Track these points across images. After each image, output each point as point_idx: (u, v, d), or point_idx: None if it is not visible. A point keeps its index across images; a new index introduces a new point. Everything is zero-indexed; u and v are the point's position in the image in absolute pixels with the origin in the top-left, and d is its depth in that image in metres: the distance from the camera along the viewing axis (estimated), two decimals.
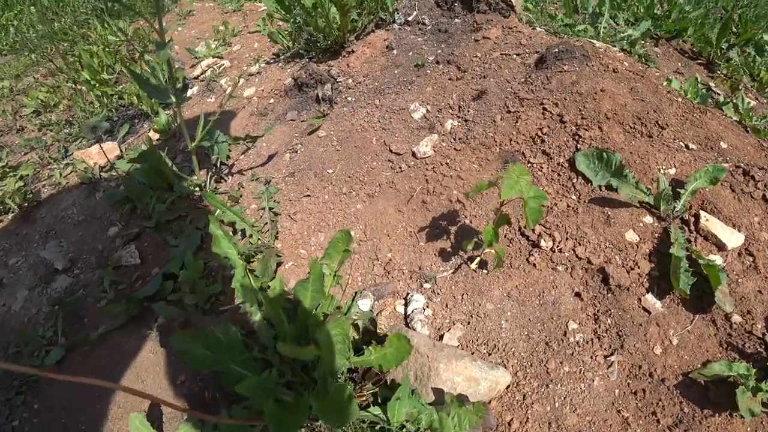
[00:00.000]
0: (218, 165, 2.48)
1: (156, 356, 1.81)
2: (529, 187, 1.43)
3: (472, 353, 1.60)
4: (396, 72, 2.71)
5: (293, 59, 3.22)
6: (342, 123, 2.55)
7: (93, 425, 1.67)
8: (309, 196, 2.26)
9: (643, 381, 1.52)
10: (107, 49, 3.82)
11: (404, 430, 1.27)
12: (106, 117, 3.20)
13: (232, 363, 1.23)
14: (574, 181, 1.99)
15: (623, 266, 1.74)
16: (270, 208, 2.19)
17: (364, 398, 1.33)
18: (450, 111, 2.38)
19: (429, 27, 2.89)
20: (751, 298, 1.66)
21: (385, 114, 2.49)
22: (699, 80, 2.99)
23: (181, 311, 1.85)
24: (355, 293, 1.84)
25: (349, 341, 1.23)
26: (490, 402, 1.47)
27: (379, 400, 1.35)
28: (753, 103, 2.98)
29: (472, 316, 1.72)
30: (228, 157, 2.53)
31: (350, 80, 2.77)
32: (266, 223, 2.14)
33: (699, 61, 3.64)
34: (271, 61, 3.32)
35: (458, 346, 1.63)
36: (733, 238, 1.77)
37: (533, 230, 1.90)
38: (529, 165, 2.09)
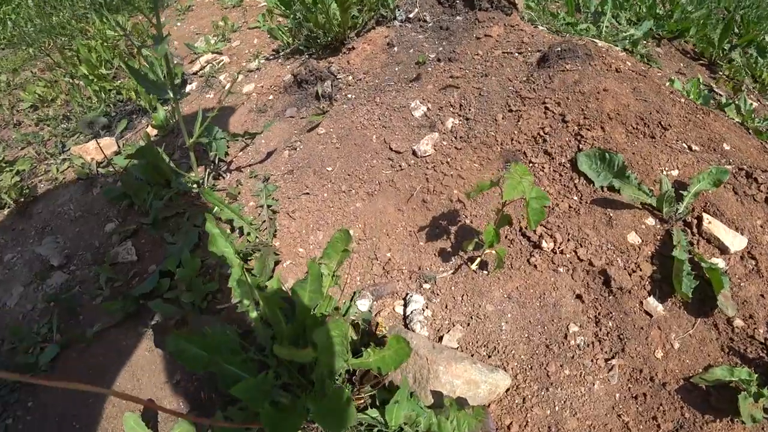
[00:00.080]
0: (216, 162, 2.46)
1: (152, 354, 1.79)
2: (531, 188, 1.41)
3: (472, 355, 1.58)
4: (397, 69, 2.68)
5: (293, 56, 3.19)
6: (342, 120, 2.53)
7: (87, 424, 1.65)
8: (308, 194, 2.24)
9: (644, 385, 1.51)
10: (105, 44, 3.79)
11: None
12: (104, 112, 3.16)
13: (227, 364, 1.21)
14: (576, 181, 1.97)
15: (625, 268, 1.72)
16: (268, 206, 2.17)
17: (362, 401, 1.31)
18: (451, 109, 2.36)
19: (430, 24, 2.87)
20: (753, 302, 1.64)
21: (385, 112, 2.47)
22: (701, 81, 2.97)
23: (178, 309, 1.83)
24: (354, 293, 1.83)
25: (347, 343, 1.21)
26: (489, 405, 1.46)
27: (377, 403, 1.34)
28: (755, 104, 2.96)
29: (471, 318, 1.70)
30: (226, 153, 2.51)
31: (350, 77, 2.74)
32: (264, 221, 2.12)
33: (701, 61, 3.62)
34: (271, 57, 3.30)
35: (458, 347, 1.61)
36: (735, 242, 1.75)
37: (534, 231, 1.88)
38: (531, 165, 2.07)
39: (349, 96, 2.63)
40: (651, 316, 1.63)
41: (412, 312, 1.71)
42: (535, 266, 1.79)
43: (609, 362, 1.55)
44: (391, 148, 2.31)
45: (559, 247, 1.81)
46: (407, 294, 1.81)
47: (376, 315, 1.76)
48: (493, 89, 2.36)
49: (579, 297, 1.71)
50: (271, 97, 2.88)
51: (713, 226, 1.79)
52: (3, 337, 1.95)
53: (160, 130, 2.82)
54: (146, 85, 1.82)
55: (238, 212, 2.00)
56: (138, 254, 2.15)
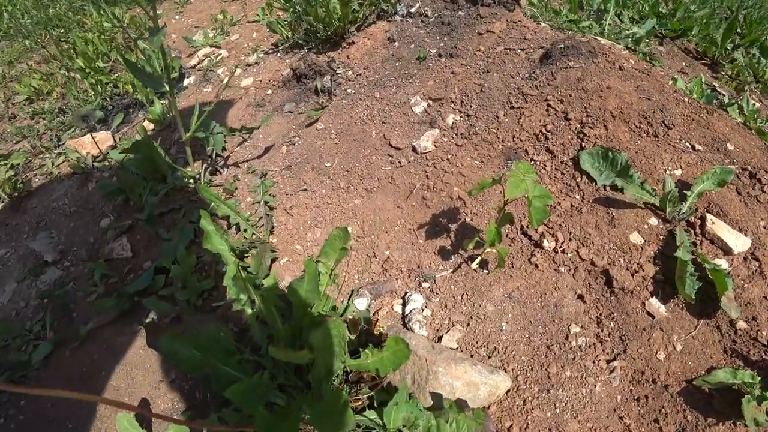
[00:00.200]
0: (213, 157, 2.43)
1: (146, 353, 1.76)
2: (534, 186, 1.38)
3: (472, 356, 1.56)
4: (397, 64, 2.65)
5: (292, 50, 3.15)
6: (341, 115, 2.49)
7: (80, 423, 1.62)
8: (306, 190, 2.21)
9: (645, 387, 1.48)
10: (102, 37, 3.74)
11: None
12: (100, 106, 3.12)
13: (222, 364, 1.18)
14: (578, 180, 1.94)
15: (627, 269, 1.70)
16: (265, 202, 2.14)
17: (359, 402, 1.29)
18: (452, 105, 2.33)
19: (432, 19, 2.83)
20: (756, 304, 1.62)
21: (385, 107, 2.44)
22: (704, 80, 2.95)
23: (173, 307, 1.80)
24: (352, 291, 1.80)
25: (344, 343, 1.18)
26: (489, 407, 1.43)
27: (375, 404, 1.31)
28: (757, 104, 2.94)
29: (471, 318, 1.67)
30: (224, 148, 2.48)
31: (350, 72, 2.71)
32: (261, 218, 2.09)
33: (703, 61, 3.59)
34: (270, 51, 3.26)
35: (457, 348, 1.59)
36: (739, 243, 1.73)
37: (536, 230, 1.85)
38: (533, 163, 2.05)
39: (349, 91, 2.60)
40: (653, 317, 1.61)
41: (411, 311, 1.68)
42: (537, 266, 1.76)
43: (610, 364, 1.53)
44: (390, 144, 2.28)
45: (560, 247, 1.78)
46: (406, 293, 1.78)
47: (374, 314, 1.73)
48: (494, 86, 2.33)
49: (580, 297, 1.68)
50: (269, 91, 2.85)
51: (717, 226, 1.76)
52: None
53: (156, 125, 2.78)
54: (142, 77, 1.79)
55: (234, 208, 1.97)
56: (133, 250, 2.12)
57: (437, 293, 1.77)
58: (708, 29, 3.69)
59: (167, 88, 1.78)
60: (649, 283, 1.67)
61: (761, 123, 2.64)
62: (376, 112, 2.43)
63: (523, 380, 1.51)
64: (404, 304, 1.74)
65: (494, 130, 2.17)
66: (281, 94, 2.78)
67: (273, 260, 1.94)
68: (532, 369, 1.53)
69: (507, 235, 1.88)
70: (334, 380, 1.26)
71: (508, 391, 1.48)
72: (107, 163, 2.59)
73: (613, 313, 1.63)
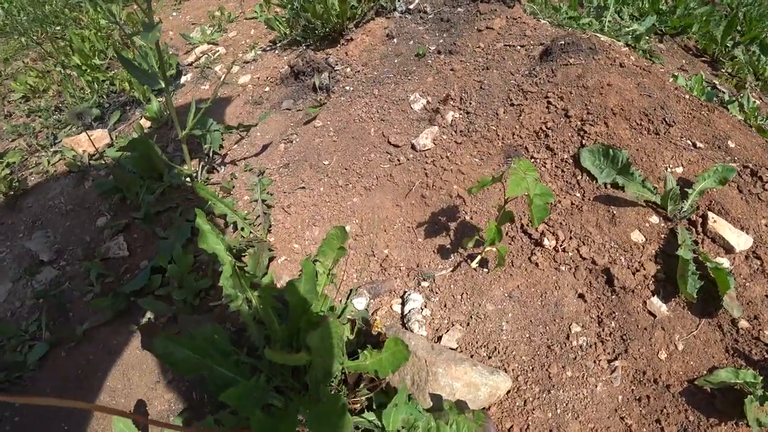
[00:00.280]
0: (211, 154, 2.40)
1: (143, 353, 1.74)
2: (535, 184, 1.36)
3: (472, 356, 1.54)
4: (396, 61, 2.63)
5: (290, 47, 3.13)
6: (339, 113, 2.47)
7: (76, 424, 1.60)
8: (304, 188, 2.19)
9: (647, 387, 1.47)
10: (99, 34, 3.71)
11: None
12: (97, 103, 3.10)
13: (218, 366, 1.16)
14: (579, 178, 1.93)
15: (628, 267, 1.68)
16: (263, 200, 2.12)
17: (358, 404, 1.27)
18: (451, 102, 2.31)
19: (431, 16, 2.81)
20: (758, 303, 1.61)
21: (384, 104, 2.42)
22: (704, 78, 2.93)
23: (169, 307, 1.79)
24: (350, 291, 1.78)
25: (343, 344, 1.17)
26: (489, 408, 1.42)
27: (374, 406, 1.29)
28: (758, 102, 2.92)
29: (471, 317, 1.66)
30: (221, 146, 2.45)
31: (348, 69, 2.69)
32: (259, 216, 2.07)
33: (703, 58, 3.57)
34: (268, 48, 3.23)
35: (457, 348, 1.57)
36: (741, 241, 1.72)
37: (536, 228, 1.83)
38: (532, 160, 2.03)
39: (347, 88, 2.58)
40: (654, 316, 1.59)
41: (410, 311, 1.67)
42: (537, 264, 1.74)
43: (612, 363, 1.51)
44: (389, 142, 2.26)
45: (561, 245, 1.77)
46: (405, 292, 1.77)
47: (373, 314, 1.71)
48: (494, 82, 2.31)
49: (581, 296, 1.67)
50: (267, 88, 2.82)
51: (718, 225, 1.75)
52: None
53: (153, 122, 2.76)
54: (137, 74, 1.76)
55: (231, 207, 1.95)
56: (130, 249, 2.10)
57: (437, 292, 1.75)
58: (708, 26, 3.67)
59: (163, 85, 1.76)
60: (651, 282, 1.65)
61: (761, 120, 2.63)
62: (375, 109, 2.41)
63: (523, 380, 1.50)
64: (403, 304, 1.72)
65: (494, 128, 2.15)
66: (279, 92, 2.76)
67: (270, 259, 1.93)
68: (532, 369, 1.52)
69: (507, 234, 1.86)
70: (332, 381, 1.25)
71: (508, 391, 1.46)
72: (104, 162, 2.56)
73: (614, 313, 1.61)
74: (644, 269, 1.67)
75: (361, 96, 2.51)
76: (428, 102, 2.35)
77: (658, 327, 1.57)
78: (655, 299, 1.62)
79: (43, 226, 2.34)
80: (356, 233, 2.00)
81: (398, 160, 2.19)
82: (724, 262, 1.68)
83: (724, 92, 3.03)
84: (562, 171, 1.97)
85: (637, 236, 1.75)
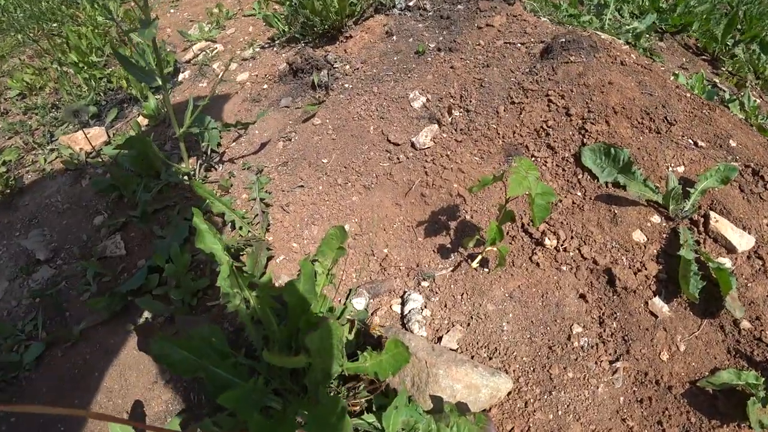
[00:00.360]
0: (208, 152, 2.38)
1: (140, 353, 1.72)
2: (536, 183, 1.34)
3: (472, 357, 1.53)
4: (395, 59, 2.61)
5: (289, 44, 3.10)
6: (338, 111, 2.45)
7: (71, 425, 1.59)
8: (302, 186, 2.17)
9: (649, 389, 1.46)
10: (96, 31, 3.68)
11: None
12: (94, 101, 3.07)
13: (216, 367, 1.14)
14: (580, 177, 1.91)
15: (630, 267, 1.67)
16: (261, 199, 2.10)
17: (357, 406, 1.26)
18: (451, 100, 2.29)
19: (430, 13, 2.79)
20: (760, 303, 1.59)
21: (383, 102, 2.40)
22: (704, 76, 2.92)
23: (167, 306, 1.77)
24: (349, 291, 1.77)
25: (342, 346, 1.15)
26: (490, 409, 1.40)
27: (374, 408, 1.28)
28: (758, 101, 2.91)
29: (472, 318, 1.64)
30: (219, 144, 2.43)
31: (347, 66, 2.66)
32: (257, 215, 2.05)
33: (703, 57, 3.56)
34: (266, 45, 3.21)
35: (457, 348, 1.55)
36: (743, 241, 1.70)
37: (537, 228, 1.82)
38: (533, 159, 2.01)
39: (346, 86, 2.56)
40: (656, 316, 1.58)
41: (410, 311, 1.65)
42: (538, 264, 1.73)
43: (613, 365, 1.50)
44: (389, 140, 2.24)
45: (562, 245, 1.75)
46: (405, 292, 1.75)
47: (372, 314, 1.70)
48: (494, 80, 2.29)
49: (582, 296, 1.65)
50: (265, 86, 2.80)
51: (720, 224, 1.73)
52: None
53: (151, 120, 2.74)
54: (134, 72, 1.74)
55: (229, 205, 1.93)
56: (127, 248, 2.08)
57: (437, 292, 1.74)
58: (708, 25, 3.66)
59: (160, 83, 1.74)
60: (652, 282, 1.64)
61: (762, 120, 2.62)
62: (374, 107, 2.39)
63: (524, 382, 1.48)
64: (403, 304, 1.71)
65: (494, 126, 2.14)
66: (277, 89, 2.74)
67: (269, 258, 1.91)
68: (533, 370, 1.50)
69: (508, 233, 1.85)
70: (331, 383, 1.23)
71: (509, 393, 1.45)
72: (101, 160, 2.54)
73: (615, 313, 1.60)
74: (646, 269, 1.66)
75: (361, 94, 2.49)
76: (428, 100, 2.33)
77: (660, 328, 1.56)
78: (656, 300, 1.61)
79: (39, 224, 2.32)
80: (355, 232, 1.98)
81: (398, 158, 2.17)
82: (726, 262, 1.67)
83: (724, 91, 3.02)
84: (563, 170, 1.95)
85: (638, 236, 1.74)
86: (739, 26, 3.64)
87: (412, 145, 2.19)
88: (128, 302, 1.85)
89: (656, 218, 1.78)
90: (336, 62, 2.69)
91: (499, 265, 1.66)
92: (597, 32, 2.85)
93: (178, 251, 1.84)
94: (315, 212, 2.07)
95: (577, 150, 1.96)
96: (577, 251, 1.73)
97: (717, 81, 3.18)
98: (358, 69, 2.63)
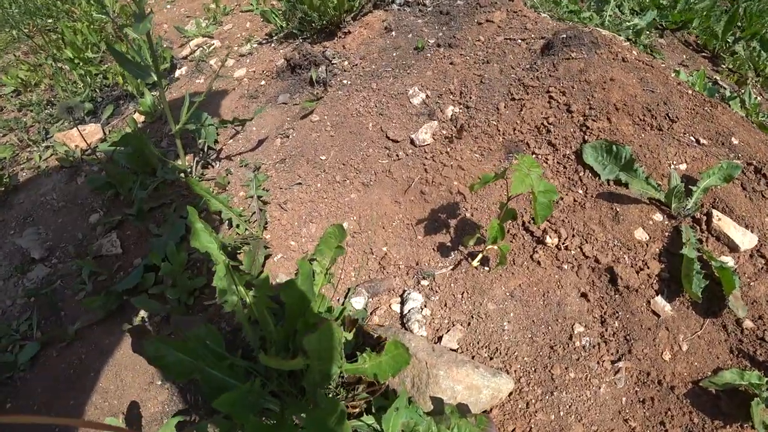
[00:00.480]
0: (205, 150, 2.36)
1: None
2: (539, 181, 1.32)
3: (473, 357, 1.51)
4: (394, 55, 2.58)
5: (287, 40, 3.07)
6: (337, 107, 2.42)
7: (68, 428, 1.56)
8: (300, 184, 2.14)
9: (651, 389, 1.44)
10: (92, 27, 3.64)
11: None
12: (90, 97, 3.04)
13: (212, 369, 1.12)
14: (581, 174, 1.89)
15: (632, 266, 1.65)
16: (259, 197, 2.07)
17: (357, 409, 1.23)
18: (451, 97, 2.27)
19: (430, 8, 2.76)
20: (763, 302, 1.58)
21: (382, 98, 2.37)
22: (705, 73, 2.90)
23: (163, 306, 1.75)
24: (348, 290, 1.74)
25: (341, 347, 1.13)
26: (491, 410, 1.39)
27: (373, 409, 1.26)
28: (759, 98, 2.89)
29: (472, 317, 1.62)
30: (216, 141, 2.40)
31: (346, 62, 2.64)
32: (254, 213, 2.02)
33: (703, 54, 3.54)
34: (264, 41, 3.17)
35: (458, 348, 1.54)
36: (746, 239, 1.69)
37: (538, 226, 1.80)
38: (534, 156, 1.99)
39: (345, 82, 2.53)
40: (658, 316, 1.56)
41: (409, 311, 1.63)
42: (539, 263, 1.71)
43: (615, 364, 1.48)
44: (387, 137, 2.22)
45: (563, 243, 1.73)
46: (404, 291, 1.73)
47: (371, 313, 1.68)
48: (494, 77, 2.27)
49: (584, 295, 1.63)
50: (263, 82, 2.77)
51: (723, 223, 1.72)
52: None
53: (147, 117, 2.71)
54: (129, 67, 1.71)
55: (226, 203, 1.91)
56: (123, 246, 2.06)
57: (437, 291, 1.72)
58: (708, 22, 3.64)
59: (155, 78, 1.71)
60: (655, 281, 1.62)
61: (763, 117, 2.60)
62: (373, 103, 2.37)
63: (526, 382, 1.46)
64: (402, 303, 1.69)
65: (494, 123, 2.11)
66: (275, 85, 2.71)
67: (267, 257, 1.89)
68: (535, 370, 1.49)
69: (508, 231, 1.83)
70: (330, 385, 1.21)
71: (510, 393, 1.43)
72: (96, 157, 2.51)
73: (617, 312, 1.58)
74: (648, 268, 1.64)
75: (359, 90, 2.46)
76: (427, 96, 2.30)
77: (662, 327, 1.54)
78: (659, 299, 1.59)
79: (34, 222, 2.29)
80: (354, 230, 1.96)
81: (397, 155, 2.15)
82: (729, 261, 1.66)
83: (725, 88, 3.00)
84: (564, 167, 1.93)
85: (640, 234, 1.72)
86: (739, 23, 3.62)
87: (412, 141, 2.17)
88: (124, 301, 1.82)
89: (658, 216, 1.76)
90: (334, 58, 2.66)
91: (500, 263, 1.64)
92: (598, 28, 2.83)
93: (175, 250, 1.81)
94: (313, 210, 2.05)
95: (579, 147, 1.94)
96: (578, 250, 1.71)
97: (717, 78, 3.16)
98: (356, 65, 2.61)
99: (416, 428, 1.14)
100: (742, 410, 1.36)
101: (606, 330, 1.55)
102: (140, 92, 2.95)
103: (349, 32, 2.78)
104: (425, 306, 1.67)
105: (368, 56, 2.64)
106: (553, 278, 1.68)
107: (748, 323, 1.54)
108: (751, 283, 1.62)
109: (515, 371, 1.49)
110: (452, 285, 1.72)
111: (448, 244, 1.84)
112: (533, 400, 1.43)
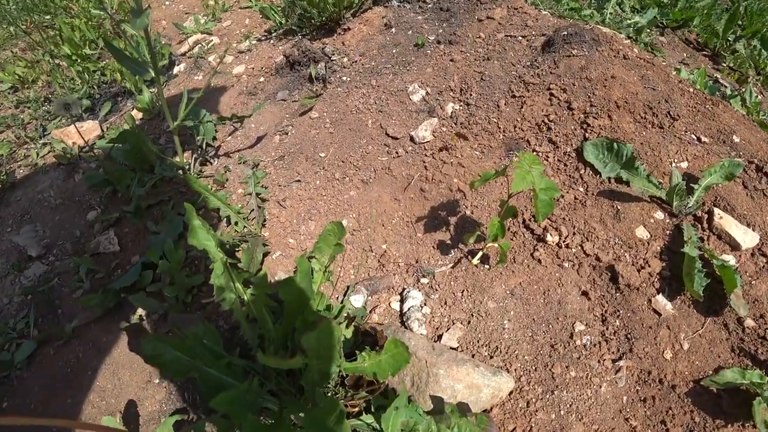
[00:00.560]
0: (204, 146, 2.34)
1: None
2: (540, 178, 1.31)
3: (473, 356, 1.50)
4: (394, 51, 2.56)
5: (286, 36, 3.05)
6: (336, 104, 2.41)
7: (65, 427, 1.55)
8: (299, 181, 2.13)
9: (652, 388, 1.43)
10: (90, 23, 3.62)
11: None
12: (88, 94, 3.02)
13: (209, 368, 1.11)
14: (582, 172, 1.88)
15: (633, 264, 1.64)
16: (257, 194, 2.06)
17: (356, 407, 1.22)
18: (451, 94, 2.25)
19: (430, 5, 2.74)
20: (764, 301, 1.57)
21: (381, 95, 2.36)
22: (706, 72, 2.89)
23: (161, 304, 1.73)
24: (347, 288, 1.73)
25: (340, 346, 1.12)
26: (491, 409, 1.38)
27: (373, 408, 1.25)
28: (759, 97, 2.88)
29: (472, 315, 1.61)
30: (214, 138, 2.39)
31: (345, 59, 2.62)
32: (253, 210, 2.01)
33: (704, 52, 3.53)
34: (263, 37, 3.16)
35: (458, 347, 1.52)
36: (747, 238, 1.68)
37: (539, 224, 1.79)
38: (535, 153, 1.97)
39: (344, 78, 2.51)
40: (660, 314, 1.55)
41: (409, 309, 1.62)
42: (539, 261, 1.70)
43: (616, 363, 1.48)
44: (387, 134, 2.21)
45: (564, 241, 1.72)
46: (404, 289, 1.72)
47: (371, 311, 1.67)
48: (495, 74, 2.25)
49: (585, 294, 1.62)
50: (262, 79, 2.76)
51: (724, 221, 1.71)
52: None
53: (145, 113, 2.69)
54: (127, 63, 1.69)
55: (224, 200, 1.89)
56: (121, 244, 2.04)
57: (436, 289, 1.70)
58: (709, 20, 3.63)
59: (153, 74, 1.69)
60: (656, 279, 1.61)
61: (764, 116, 2.59)
62: (373, 100, 2.35)
63: (526, 381, 1.45)
64: (402, 301, 1.68)
65: (495, 120, 2.10)
66: (274, 82, 2.69)
67: (265, 254, 1.87)
68: (535, 369, 1.48)
69: (509, 229, 1.82)
70: (329, 384, 1.20)
71: (511, 392, 1.42)
72: (94, 154, 2.49)
73: (618, 311, 1.57)
74: (649, 266, 1.63)
75: (359, 87, 2.45)
76: (427, 93, 2.29)
77: (664, 326, 1.53)
78: (660, 297, 1.58)
79: (31, 220, 2.28)
80: (353, 228, 1.95)
81: (396, 152, 2.13)
82: (730, 259, 1.65)
83: (726, 86, 2.99)
84: (565, 165, 1.92)
85: (641, 232, 1.71)
86: (740, 22, 3.61)
87: (411, 139, 2.15)
88: (122, 299, 1.81)
89: (660, 214, 1.75)
90: (334, 55, 2.65)
91: (501, 261, 1.63)
92: (599, 26, 2.81)
93: (173, 247, 1.80)
94: (312, 207, 2.03)
95: (580, 145, 1.93)
96: (579, 248, 1.70)
97: (718, 77, 3.15)
98: (356, 62, 2.59)
99: (416, 427, 1.13)
100: (744, 409, 1.35)
101: (607, 328, 1.54)
102: (138, 89, 2.93)
103: (349, 29, 2.77)
104: (425, 304, 1.66)
105: (368, 53, 2.62)
106: (554, 276, 1.67)
107: (749, 322, 1.53)
108: (753, 282, 1.61)
109: (515, 370, 1.48)
110: (452, 283, 1.71)
111: (448, 241, 1.83)
112: (534, 399, 1.42)
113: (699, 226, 1.73)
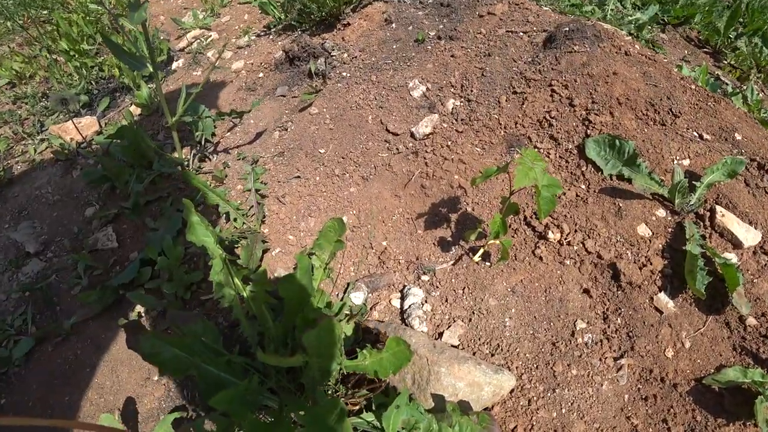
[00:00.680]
0: (202, 142, 2.32)
1: None
2: (543, 175, 1.30)
3: (474, 353, 1.49)
4: (394, 47, 2.55)
5: (285, 32, 3.03)
6: (336, 100, 2.39)
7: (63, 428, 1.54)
8: (299, 177, 2.12)
9: (654, 386, 1.43)
10: (87, 18, 3.59)
11: None
12: (85, 90, 3.00)
13: (208, 365, 1.10)
14: (584, 169, 1.87)
15: (635, 262, 1.63)
16: (257, 190, 2.05)
17: (357, 405, 1.21)
18: (452, 90, 2.24)
19: (430, 0, 2.72)
20: (766, 299, 1.56)
21: (382, 91, 2.34)
22: (707, 69, 2.88)
23: (159, 301, 1.72)
24: (347, 285, 1.72)
25: (340, 344, 1.11)
26: (492, 407, 1.37)
27: (374, 406, 1.24)
28: (761, 94, 2.87)
29: (473, 313, 1.60)
30: (213, 134, 2.37)
31: (345, 54, 2.60)
32: (252, 206, 2.00)
33: (705, 49, 3.52)
34: (262, 33, 3.13)
35: (459, 345, 1.52)
36: (749, 236, 1.67)
37: (541, 221, 1.78)
38: (536, 150, 1.96)
39: (344, 74, 2.50)
40: (661, 312, 1.55)
41: (410, 306, 1.61)
42: (541, 258, 1.69)
43: (618, 361, 1.47)
44: (388, 130, 2.19)
45: (565, 238, 1.71)
46: (405, 286, 1.71)
47: (371, 309, 1.65)
48: (496, 70, 2.24)
49: (586, 291, 1.62)
50: (261, 74, 2.74)
51: (726, 219, 1.70)
52: None
53: (144, 109, 2.67)
54: (124, 58, 1.68)
55: (223, 196, 1.88)
56: (119, 240, 2.03)
57: (437, 287, 1.69)
58: (710, 17, 3.61)
59: (151, 69, 1.68)
60: (658, 277, 1.60)
61: (765, 114, 2.58)
62: (373, 96, 2.34)
63: (527, 379, 1.45)
64: (403, 299, 1.67)
65: (496, 116, 2.09)
66: (273, 78, 2.68)
67: (265, 251, 1.86)
68: (537, 367, 1.47)
69: (510, 226, 1.80)
70: (329, 381, 1.19)
71: (512, 390, 1.42)
72: (92, 150, 2.48)
73: (620, 309, 1.56)
74: (651, 264, 1.62)
75: (359, 82, 2.43)
76: (428, 89, 2.27)
77: (665, 324, 1.53)
78: (662, 295, 1.57)
79: (29, 216, 2.26)
80: (353, 224, 1.94)
81: (397, 148, 2.12)
82: (732, 257, 1.64)
83: (727, 84, 2.98)
84: (567, 162, 1.91)
85: (643, 230, 1.70)
86: (741, 19, 3.60)
87: (412, 135, 2.14)
88: (120, 296, 1.80)
89: (661, 212, 1.74)
90: (333, 50, 2.63)
91: (502, 258, 1.62)
92: (600, 22, 2.80)
93: (171, 244, 1.79)
94: (312, 204, 2.02)
95: (581, 141, 1.92)
96: (581, 245, 1.69)
97: (719, 74, 3.14)
98: (356, 57, 2.57)
99: (417, 426, 1.12)
100: (745, 408, 1.34)
101: (608, 326, 1.54)
102: (137, 84, 2.91)
103: (349, 24, 2.75)
104: (426, 301, 1.65)
105: (368, 48, 2.60)
106: (555, 274, 1.66)
107: (751, 320, 1.52)
108: (755, 280, 1.60)
109: (517, 368, 1.47)
110: (453, 280, 1.70)
111: (449, 238, 1.82)
112: (535, 397, 1.41)
113: (701, 223, 1.72)
